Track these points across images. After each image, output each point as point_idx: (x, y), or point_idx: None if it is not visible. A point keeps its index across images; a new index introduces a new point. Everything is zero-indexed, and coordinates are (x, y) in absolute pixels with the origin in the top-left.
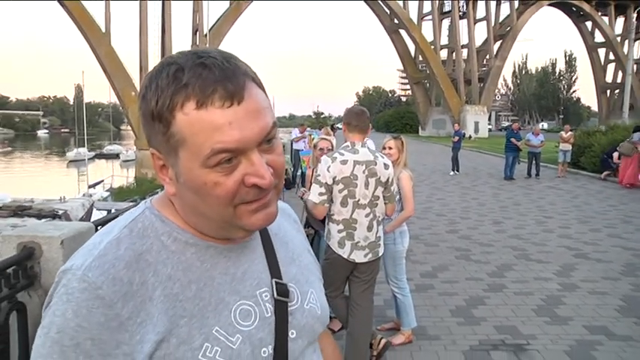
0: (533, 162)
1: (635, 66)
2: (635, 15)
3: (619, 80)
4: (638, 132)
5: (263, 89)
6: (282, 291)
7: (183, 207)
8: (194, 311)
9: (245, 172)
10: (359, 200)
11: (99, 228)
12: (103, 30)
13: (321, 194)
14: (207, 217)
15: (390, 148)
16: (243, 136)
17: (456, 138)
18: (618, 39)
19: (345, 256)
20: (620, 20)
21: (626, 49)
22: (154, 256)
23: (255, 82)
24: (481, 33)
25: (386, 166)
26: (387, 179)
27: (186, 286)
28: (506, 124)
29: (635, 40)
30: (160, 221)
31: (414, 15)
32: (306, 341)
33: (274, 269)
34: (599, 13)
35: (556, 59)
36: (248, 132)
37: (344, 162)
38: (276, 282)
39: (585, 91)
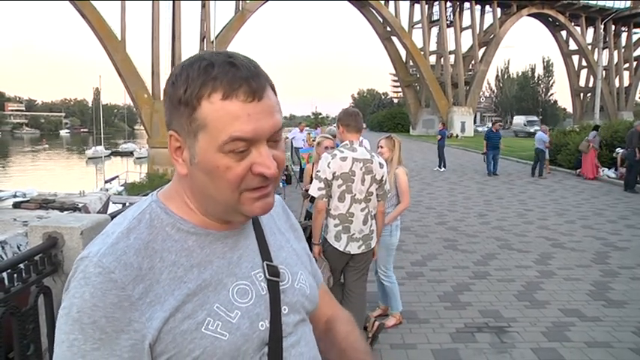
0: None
1: (603, 72)
2: (602, 26)
3: (590, 85)
4: (593, 131)
5: (276, 95)
6: (274, 272)
7: (192, 188)
8: (196, 291)
9: (254, 161)
10: (355, 195)
11: None
12: (119, 38)
13: (320, 189)
14: (213, 199)
15: (382, 147)
16: (258, 127)
17: (439, 136)
18: (589, 47)
19: (341, 249)
20: (591, 30)
21: (596, 57)
22: (160, 245)
23: (272, 88)
24: (467, 40)
25: (381, 165)
26: (382, 177)
27: (189, 270)
28: (489, 124)
29: (603, 48)
30: (164, 213)
31: (405, 23)
32: (298, 317)
33: (265, 253)
34: (573, 24)
35: (535, 65)
36: (262, 125)
37: (343, 159)
38: (267, 264)
39: (561, 94)
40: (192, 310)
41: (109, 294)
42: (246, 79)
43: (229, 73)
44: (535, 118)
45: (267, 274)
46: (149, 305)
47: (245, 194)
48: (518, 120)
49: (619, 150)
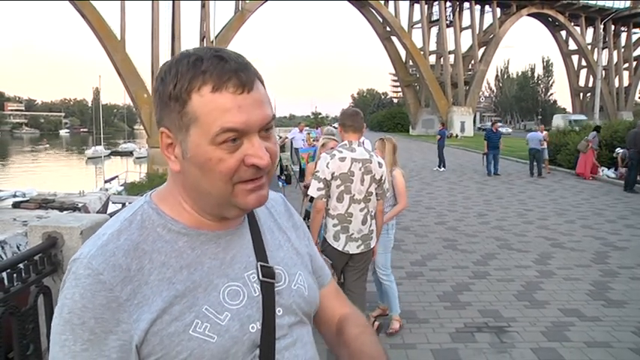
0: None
1: (603, 72)
2: (602, 26)
3: (590, 84)
4: (594, 132)
5: (265, 88)
6: (268, 273)
7: (185, 184)
8: (185, 292)
9: (246, 152)
10: (354, 195)
11: None
12: (119, 38)
13: (319, 189)
14: (207, 193)
15: (376, 149)
16: (248, 119)
17: (439, 136)
18: (589, 47)
19: (340, 249)
20: (590, 30)
21: (596, 57)
22: (150, 245)
23: (261, 82)
24: (466, 40)
25: (380, 165)
26: (381, 177)
27: (178, 271)
28: (488, 124)
29: (603, 48)
30: (156, 214)
31: (404, 23)
32: (293, 318)
33: (260, 254)
34: (572, 24)
35: (535, 64)
36: (253, 117)
37: (342, 159)
38: (261, 265)
39: (561, 94)
40: (180, 312)
41: (97, 295)
42: (235, 72)
43: (218, 66)
44: (583, 117)
45: (260, 275)
46: (137, 307)
47: (239, 186)
48: (560, 120)
49: (619, 150)
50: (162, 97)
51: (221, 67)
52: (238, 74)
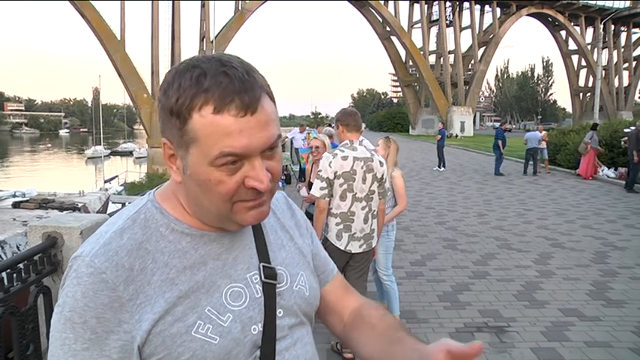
0: (531, 160)
1: (603, 72)
2: (601, 26)
3: (590, 84)
4: (591, 131)
5: (274, 101)
6: (270, 274)
7: (186, 195)
8: (188, 293)
9: (246, 174)
10: (356, 194)
11: None
12: (119, 38)
13: (322, 188)
14: (206, 208)
15: (378, 146)
16: (250, 143)
17: (439, 136)
18: (589, 47)
19: (342, 248)
20: (590, 30)
21: (595, 56)
22: (153, 245)
23: (269, 96)
24: (466, 40)
25: (381, 164)
26: (382, 175)
27: (181, 272)
28: (490, 124)
29: (603, 48)
30: (159, 213)
31: (404, 23)
32: (294, 319)
33: (263, 254)
34: (572, 24)
35: (534, 64)
36: (255, 140)
37: (344, 158)
38: (263, 266)
39: (561, 94)
40: (183, 312)
41: (100, 294)
42: (239, 93)
43: (222, 85)
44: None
45: (262, 277)
46: (139, 307)
47: (238, 204)
48: None
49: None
50: (164, 109)
51: (224, 86)
52: (242, 96)
